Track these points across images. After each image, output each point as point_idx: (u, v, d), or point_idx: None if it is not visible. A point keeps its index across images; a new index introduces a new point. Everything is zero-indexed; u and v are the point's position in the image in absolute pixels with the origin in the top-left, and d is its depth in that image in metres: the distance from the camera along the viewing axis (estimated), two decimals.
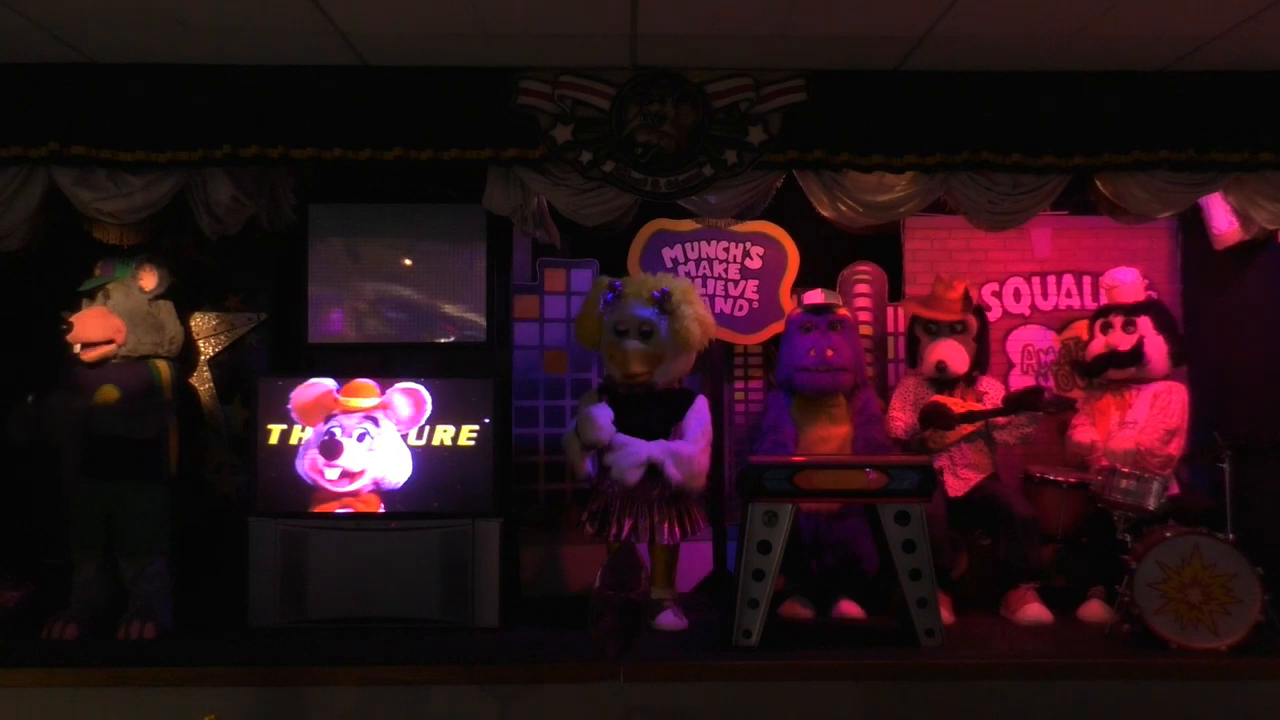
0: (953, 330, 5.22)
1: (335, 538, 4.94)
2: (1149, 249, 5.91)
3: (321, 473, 4.96)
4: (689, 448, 4.89)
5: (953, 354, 5.15)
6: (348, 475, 4.96)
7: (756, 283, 5.84)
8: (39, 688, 4.21)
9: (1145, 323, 5.17)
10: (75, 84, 4.72)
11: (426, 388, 5.03)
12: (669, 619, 4.83)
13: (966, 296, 5.31)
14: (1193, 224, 5.61)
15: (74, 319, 4.86)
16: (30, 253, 4.99)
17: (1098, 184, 4.98)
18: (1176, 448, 5.05)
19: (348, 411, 4.99)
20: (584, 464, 4.98)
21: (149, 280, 5.05)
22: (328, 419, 4.98)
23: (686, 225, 5.75)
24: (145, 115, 4.72)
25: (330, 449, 4.92)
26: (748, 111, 4.79)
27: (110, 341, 4.90)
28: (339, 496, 4.99)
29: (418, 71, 4.76)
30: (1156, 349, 5.13)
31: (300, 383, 5.04)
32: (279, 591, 4.91)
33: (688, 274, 5.82)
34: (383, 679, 4.25)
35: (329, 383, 5.03)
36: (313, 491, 4.99)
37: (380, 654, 4.45)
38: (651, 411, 4.98)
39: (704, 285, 5.80)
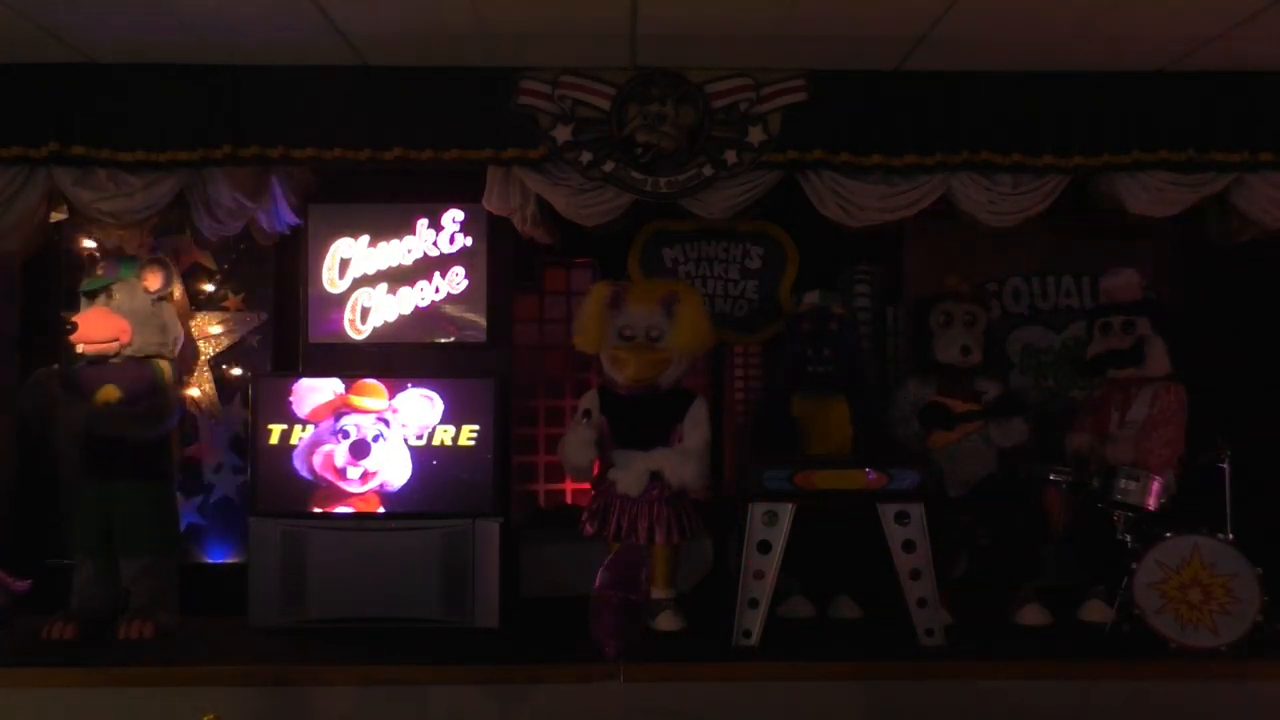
0: (966, 319, 5.22)
1: (336, 538, 4.94)
2: (1148, 249, 5.90)
3: (341, 472, 4.96)
4: (689, 452, 4.90)
5: (972, 340, 5.16)
6: (366, 475, 4.97)
7: (756, 283, 5.84)
8: (38, 688, 4.21)
9: (1145, 323, 5.16)
10: (76, 84, 4.71)
11: (433, 390, 5.03)
12: (669, 619, 4.83)
13: (975, 287, 5.33)
14: (1192, 223, 5.61)
15: (78, 319, 4.85)
16: (30, 252, 4.99)
17: (1097, 184, 4.98)
18: (1176, 448, 5.04)
19: (359, 411, 4.99)
20: (578, 475, 5.10)
21: (154, 281, 5.05)
22: (337, 417, 4.98)
23: (686, 225, 5.74)
24: (146, 115, 4.72)
25: (360, 449, 4.93)
26: (747, 111, 4.79)
27: (114, 340, 4.90)
28: (348, 496, 4.99)
29: (418, 71, 4.76)
30: (1156, 349, 5.12)
31: (303, 380, 5.04)
32: (279, 591, 4.90)
33: (687, 274, 5.82)
34: (383, 679, 4.25)
35: (335, 383, 5.03)
36: (315, 490, 4.99)
37: (380, 654, 4.46)
38: (652, 413, 4.98)
39: (704, 285, 5.80)
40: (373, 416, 4.99)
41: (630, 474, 4.85)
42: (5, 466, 5.49)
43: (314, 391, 5.01)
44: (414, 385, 5.04)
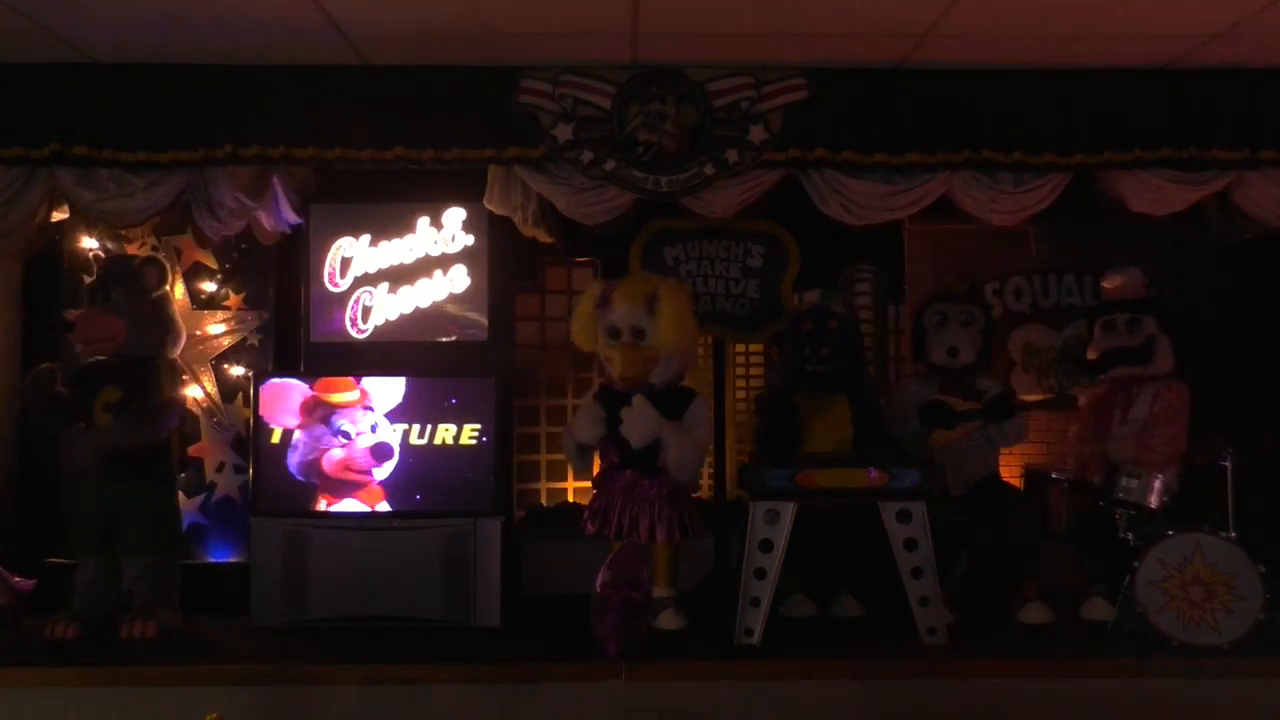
0: (962, 319, 5.22)
1: (337, 537, 4.94)
2: (1150, 246, 5.89)
3: (364, 471, 4.99)
4: (693, 439, 4.88)
5: (964, 340, 5.16)
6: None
7: (758, 281, 5.82)
8: (41, 687, 4.21)
9: (1150, 321, 5.16)
10: (77, 84, 4.72)
11: (429, 385, 5.06)
12: (670, 618, 4.83)
13: (973, 287, 5.32)
14: (1194, 221, 5.60)
15: (76, 318, 4.87)
16: (31, 253, 4.99)
17: (1099, 181, 4.98)
18: (1178, 446, 5.04)
19: (341, 406, 4.99)
20: (579, 462, 5.03)
21: (152, 280, 5.06)
22: (327, 419, 4.99)
23: (688, 224, 5.73)
24: (147, 115, 4.73)
25: (383, 451, 4.96)
26: (749, 110, 4.79)
27: (111, 340, 4.91)
28: (356, 489, 5.00)
29: (419, 70, 4.77)
30: (1163, 347, 5.12)
31: (270, 382, 5.03)
32: (281, 590, 4.90)
33: (689, 273, 5.80)
34: (384, 678, 4.24)
35: (299, 384, 5.02)
36: (318, 488, 4.99)
37: (382, 653, 4.45)
38: None
39: (705, 284, 5.78)
40: (359, 411, 4.99)
41: (640, 421, 4.75)
42: (6, 465, 5.49)
43: (283, 396, 4.98)
44: (388, 375, 5.08)
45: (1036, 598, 4.99)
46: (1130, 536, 4.72)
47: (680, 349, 5.01)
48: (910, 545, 4.54)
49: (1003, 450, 5.27)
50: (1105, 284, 5.42)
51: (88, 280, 5.07)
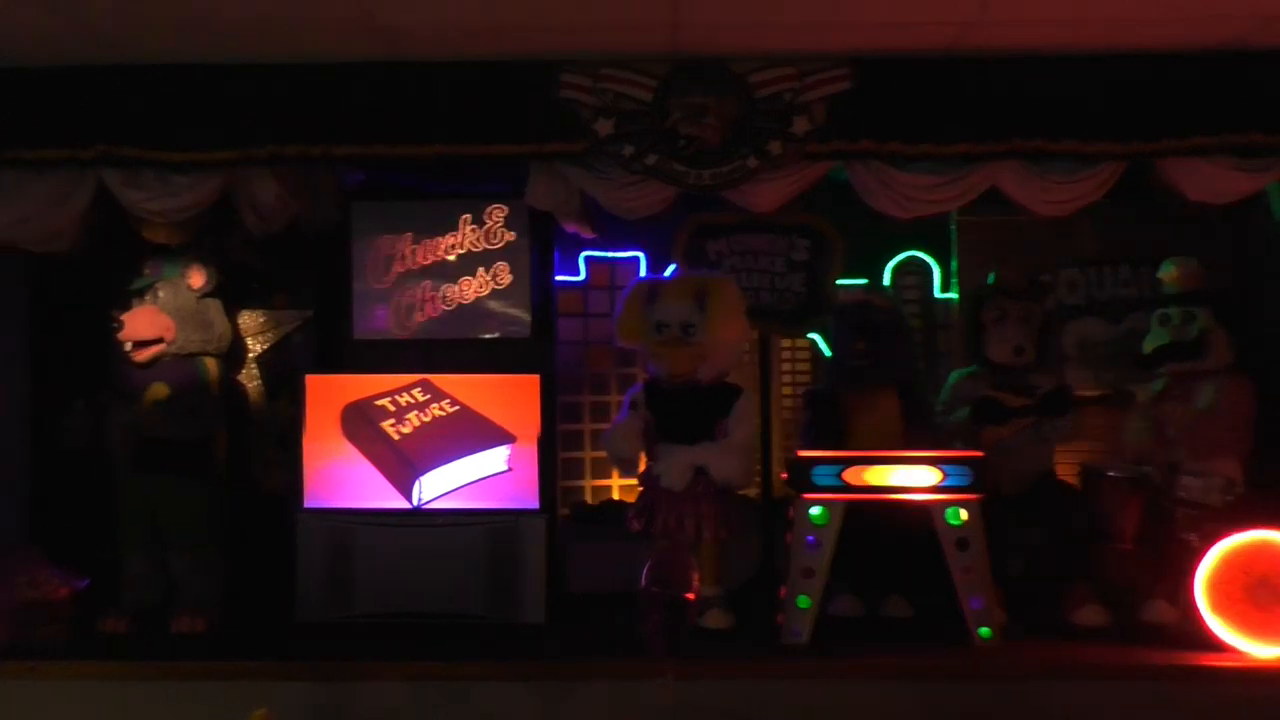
0: (1022, 315, 5.10)
1: (382, 533, 4.97)
2: (1209, 236, 5.71)
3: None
4: (734, 447, 4.83)
5: (1027, 338, 5.05)
6: None
7: (803, 275, 5.74)
8: (93, 680, 4.28)
9: (1206, 314, 5.00)
10: (122, 86, 4.77)
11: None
12: (717, 616, 4.77)
13: (1033, 282, 5.23)
14: (1255, 210, 5.42)
15: (125, 318, 4.93)
16: (80, 253, 5.06)
17: (1155, 169, 4.83)
18: (1241, 442, 4.88)
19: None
20: (624, 468, 5.07)
21: (198, 279, 5.11)
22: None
23: (731, 218, 5.66)
24: (191, 116, 4.77)
25: None
26: (792, 101, 4.71)
27: (160, 340, 4.97)
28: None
29: (458, 66, 4.75)
30: (1218, 340, 4.96)
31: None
32: (326, 587, 4.94)
33: (732, 267, 5.73)
34: (429, 675, 4.25)
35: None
36: None
37: (426, 650, 4.47)
38: (697, 408, 4.91)
39: (749, 279, 5.71)
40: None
41: (674, 469, 4.79)
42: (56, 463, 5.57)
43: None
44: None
45: (1092, 599, 4.86)
46: (1192, 537, 4.58)
47: (732, 345, 4.98)
48: (962, 545, 4.46)
49: (1059, 448, 5.14)
50: (1162, 276, 5.27)
51: (136, 280, 5.13)
